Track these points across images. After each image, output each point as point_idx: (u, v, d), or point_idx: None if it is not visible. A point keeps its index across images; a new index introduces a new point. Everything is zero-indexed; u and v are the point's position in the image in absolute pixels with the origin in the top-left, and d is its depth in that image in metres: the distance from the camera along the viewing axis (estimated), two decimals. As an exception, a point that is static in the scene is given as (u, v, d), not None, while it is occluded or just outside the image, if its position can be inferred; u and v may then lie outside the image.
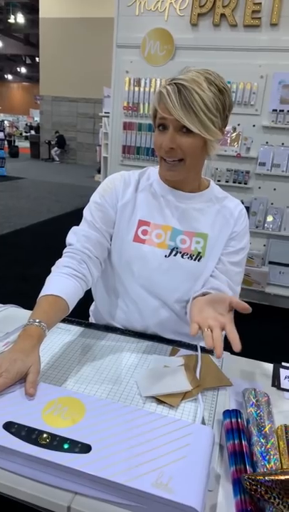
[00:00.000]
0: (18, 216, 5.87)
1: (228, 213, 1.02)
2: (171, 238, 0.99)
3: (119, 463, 0.56)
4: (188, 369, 0.85)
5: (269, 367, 0.94)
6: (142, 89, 3.11)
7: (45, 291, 0.86)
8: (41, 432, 0.60)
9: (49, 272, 0.93)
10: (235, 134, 2.95)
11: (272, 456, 0.62)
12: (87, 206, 1.03)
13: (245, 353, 0.90)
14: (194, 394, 0.78)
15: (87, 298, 1.06)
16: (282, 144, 2.89)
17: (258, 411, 0.71)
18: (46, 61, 13.53)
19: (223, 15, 2.78)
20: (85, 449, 0.58)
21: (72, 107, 14.03)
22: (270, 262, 3.15)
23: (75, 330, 1.01)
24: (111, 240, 1.02)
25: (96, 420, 0.63)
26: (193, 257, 0.99)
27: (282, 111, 2.81)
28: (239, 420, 0.68)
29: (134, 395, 0.77)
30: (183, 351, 0.95)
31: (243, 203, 1.08)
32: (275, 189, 3.00)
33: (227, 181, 3.02)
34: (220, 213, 1.02)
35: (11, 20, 17.00)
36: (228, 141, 2.95)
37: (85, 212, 1.02)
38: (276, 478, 0.54)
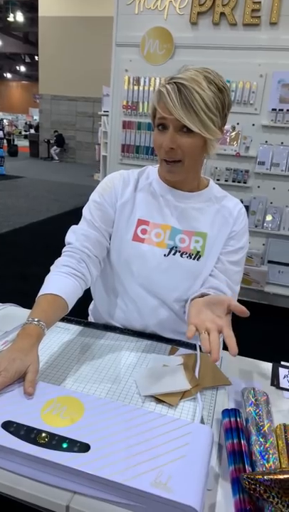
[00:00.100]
0: (17, 215, 5.86)
1: (228, 212, 1.02)
2: (170, 237, 0.99)
3: (118, 462, 0.55)
4: (188, 368, 0.85)
5: (268, 366, 0.94)
6: (141, 88, 3.10)
7: (44, 290, 0.86)
8: (40, 431, 0.60)
9: (48, 270, 0.93)
10: (234, 133, 2.94)
11: (271, 456, 0.62)
12: (87, 205, 1.02)
13: (244, 352, 0.90)
14: (193, 393, 0.78)
15: (87, 297, 1.06)
16: (282, 143, 2.89)
17: (257, 410, 0.71)
18: (45, 60, 13.51)
19: (222, 14, 2.78)
20: (84, 448, 0.57)
21: (72, 106, 14.01)
22: (269, 261, 3.15)
23: (74, 329, 1.00)
24: (110, 239, 1.02)
25: (95, 419, 0.63)
26: (193, 256, 0.99)
27: (282, 110, 2.81)
28: (238, 419, 0.68)
29: (133, 394, 0.77)
30: (182, 350, 0.95)
31: (242, 202, 1.08)
32: (274, 188, 3.00)
33: (226, 180, 3.02)
34: (219, 212, 1.02)
35: (11, 18, 16.94)
36: (228, 140, 2.95)
37: (84, 211, 1.02)
38: (275, 477, 0.54)
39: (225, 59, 2.80)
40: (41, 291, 0.86)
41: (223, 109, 0.89)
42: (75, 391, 0.74)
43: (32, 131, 16.66)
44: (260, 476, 0.54)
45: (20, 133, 20.93)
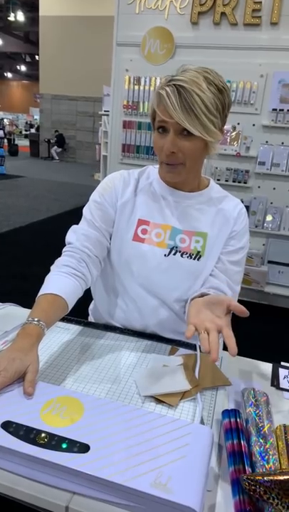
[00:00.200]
0: (18, 214, 5.86)
1: (228, 212, 1.02)
2: (170, 237, 0.99)
3: (117, 463, 0.55)
4: (188, 368, 0.85)
5: (268, 366, 0.94)
6: (141, 88, 3.10)
7: (44, 289, 0.86)
8: (39, 432, 0.59)
9: (48, 270, 0.93)
10: (234, 133, 2.94)
11: (271, 456, 0.62)
12: (87, 205, 1.02)
13: (244, 352, 0.90)
14: (193, 393, 0.78)
15: (87, 297, 1.06)
16: (282, 143, 2.89)
17: (257, 411, 0.71)
18: (46, 59, 13.50)
19: (223, 13, 2.78)
20: (84, 448, 0.57)
21: (72, 106, 14.01)
22: (270, 262, 3.15)
23: (74, 329, 1.00)
24: (110, 239, 1.02)
25: (95, 420, 0.63)
26: (193, 256, 0.99)
27: (282, 110, 2.81)
28: (238, 420, 0.68)
29: (133, 394, 0.77)
30: (182, 350, 0.94)
31: (242, 202, 1.07)
32: (274, 188, 3.00)
33: (227, 180, 3.02)
34: (220, 212, 1.01)
35: (11, 18, 16.92)
36: (228, 140, 2.95)
37: (85, 211, 1.02)
38: (275, 478, 0.54)
39: (225, 59, 2.80)
40: (41, 291, 0.86)
41: (223, 110, 0.88)
42: (75, 391, 0.73)
43: (32, 130, 16.64)
44: (260, 477, 0.54)
45: (20, 132, 20.93)
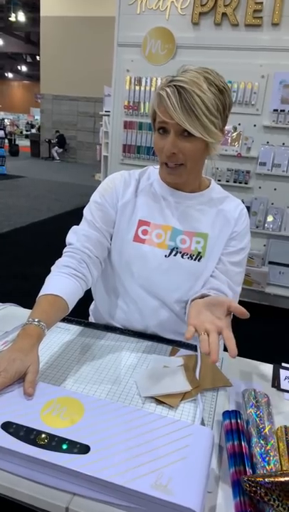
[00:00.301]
0: (18, 215, 5.86)
1: (229, 213, 1.01)
2: (171, 238, 0.99)
3: (118, 464, 0.55)
4: (188, 369, 0.85)
5: (269, 367, 0.93)
6: (142, 88, 3.10)
7: (44, 290, 0.86)
8: (40, 432, 0.59)
9: (49, 270, 0.93)
10: (235, 133, 2.94)
11: (271, 458, 0.61)
12: (88, 206, 1.02)
13: (244, 353, 0.90)
14: (194, 394, 0.78)
15: (87, 297, 1.05)
16: (283, 143, 2.89)
17: (258, 412, 0.71)
18: (47, 60, 13.52)
19: (224, 14, 2.78)
20: (84, 449, 0.57)
21: (73, 106, 14.02)
22: (270, 262, 3.14)
23: (74, 329, 1.00)
24: (111, 240, 1.02)
25: (95, 420, 0.63)
26: (193, 257, 0.99)
27: (283, 111, 2.81)
28: (239, 421, 0.68)
29: (134, 395, 0.77)
30: (183, 351, 0.94)
31: (243, 202, 1.07)
32: (275, 189, 2.99)
33: (227, 181, 3.02)
34: (220, 213, 1.01)
35: (12, 18, 16.93)
36: (229, 140, 2.95)
37: (85, 211, 1.02)
38: (276, 480, 0.54)
39: (226, 59, 2.80)
40: (42, 292, 0.86)
41: (224, 111, 0.88)
42: (75, 392, 0.73)
43: (33, 130, 16.65)
44: (261, 479, 0.54)
45: (21, 133, 20.94)
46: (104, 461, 0.56)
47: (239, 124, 2.92)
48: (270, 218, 3.04)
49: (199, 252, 0.99)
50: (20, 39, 19.55)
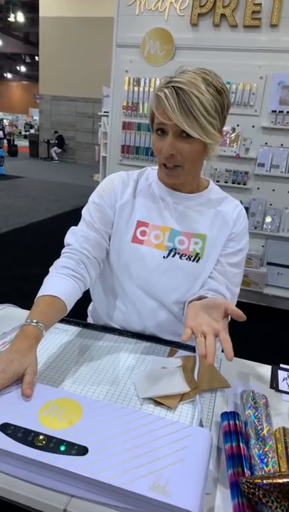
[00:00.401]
0: (17, 215, 5.86)
1: (227, 214, 1.01)
2: (169, 239, 0.99)
3: (116, 465, 0.55)
4: (186, 370, 0.85)
5: (267, 368, 0.93)
6: (141, 89, 3.10)
7: (42, 291, 0.86)
8: (38, 434, 0.59)
9: (47, 271, 0.93)
10: (234, 134, 2.94)
11: (270, 459, 0.61)
12: (86, 206, 1.02)
13: (243, 354, 0.90)
14: (192, 395, 0.78)
15: (86, 298, 1.05)
16: (282, 144, 2.89)
17: (256, 413, 0.71)
18: (46, 60, 13.51)
19: (223, 15, 2.78)
20: (82, 451, 0.57)
21: (72, 106, 14.02)
22: (269, 263, 3.14)
23: (72, 330, 1.00)
24: (109, 241, 1.02)
25: (93, 422, 0.63)
26: (192, 258, 0.99)
27: (282, 112, 2.81)
28: (237, 422, 0.68)
29: (132, 396, 0.77)
30: (181, 352, 0.94)
31: (241, 203, 1.07)
32: (273, 190, 3.00)
33: (226, 182, 3.02)
34: (219, 214, 1.01)
35: (11, 18, 16.93)
36: (228, 141, 2.95)
37: (84, 212, 1.02)
38: (274, 481, 0.54)
39: (225, 60, 2.80)
40: (40, 293, 0.86)
41: (222, 112, 0.88)
42: (73, 393, 0.73)
43: (32, 131, 16.64)
44: (259, 480, 0.54)
45: (20, 133, 20.91)
46: (102, 462, 0.55)
47: (238, 125, 2.92)
48: (268, 219, 3.04)
49: (197, 253, 0.99)
50: (19, 39, 19.54)
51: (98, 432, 0.61)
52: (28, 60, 22.62)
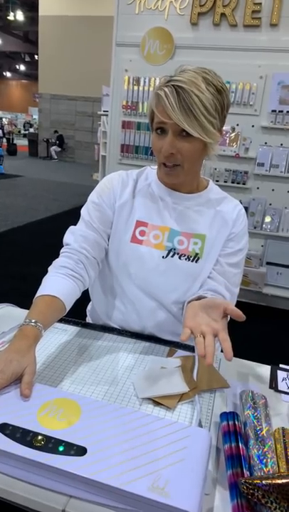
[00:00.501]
0: (16, 214, 5.85)
1: (227, 214, 1.01)
2: (168, 239, 0.98)
3: (115, 466, 0.55)
4: (186, 370, 0.85)
5: (266, 369, 0.93)
6: (141, 88, 3.10)
7: (41, 291, 0.85)
8: (36, 434, 0.59)
9: (46, 270, 0.93)
10: (234, 134, 2.94)
11: (269, 460, 0.61)
12: (85, 206, 1.02)
13: (242, 354, 0.90)
14: (191, 396, 0.77)
15: (85, 298, 1.05)
16: (281, 144, 2.89)
17: (256, 413, 0.71)
18: (45, 59, 13.49)
19: (223, 14, 2.77)
20: (81, 451, 0.57)
21: (71, 106, 14.01)
22: (268, 263, 3.14)
23: (71, 330, 1.00)
24: (108, 240, 1.02)
25: (92, 422, 0.63)
26: (191, 258, 0.98)
27: (282, 111, 2.81)
28: (236, 423, 0.68)
29: (131, 396, 0.77)
30: (180, 352, 0.94)
31: (241, 203, 1.07)
32: (273, 190, 2.99)
33: (225, 181, 3.02)
34: (218, 214, 1.01)
35: (11, 17, 16.89)
36: (227, 141, 2.95)
37: (83, 211, 1.01)
38: (273, 482, 0.53)
39: (225, 60, 2.80)
40: (39, 292, 0.85)
41: (222, 111, 0.88)
42: (72, 393, 0.73)
43: (32, 130, 16.61)
44: (259, 481, 0.54)
45: (19, 132, 20.88)
46: (101, 463, 0.55)
47: (237, 125, 2.92)
48: (267, 219, 3.04)
49: (197, 254, 0.99)
50: (18, 38, 19.52)
51: (97, 432, 0.60)
52: (27, 58, 22.59)
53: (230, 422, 0.68)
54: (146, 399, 0.76)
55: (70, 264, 0.92)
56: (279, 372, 0.91)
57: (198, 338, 0.71)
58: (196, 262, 0.99)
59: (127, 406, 0.74)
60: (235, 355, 0.68)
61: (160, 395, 0.76)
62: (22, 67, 24.98)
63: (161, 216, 0.99)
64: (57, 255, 0.96)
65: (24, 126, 22.72)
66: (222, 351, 0.69)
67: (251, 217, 3.02)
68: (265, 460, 0.61)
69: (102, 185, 1.03)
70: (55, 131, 14.28)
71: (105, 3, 9.85)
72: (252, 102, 2.84)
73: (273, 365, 0.94)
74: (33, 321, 0.77)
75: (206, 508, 0.56)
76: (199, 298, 0.90)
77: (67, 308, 0.87)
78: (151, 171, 1.05)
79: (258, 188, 3.02)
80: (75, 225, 1.00)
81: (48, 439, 0.58)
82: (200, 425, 0.71)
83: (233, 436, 0.65)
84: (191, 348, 0.95)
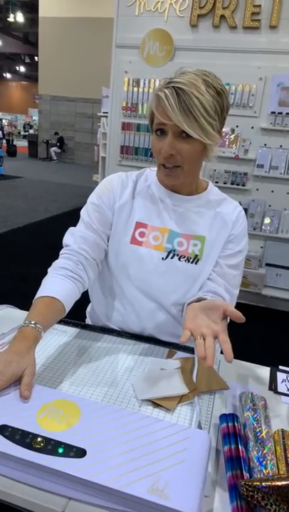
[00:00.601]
0: (15, 215, 5.85)
1: (227, 216, 1.01)
2: (168, 241, 0.98)
3: (114, 468, 0.55)
4: (185, 372, 0.84)
5: (266, 370, 0.93)
6: (140, 90, 3.10)
7: (41, 292, 0.85)
8: (36, 436, 0.59)
9: (46, 272, 0.93)
10: (233, 135, 2.94)
11: (269, 462, 0.61)
12: (85, 207, 1.02)
13: (241, 355, 0.90)
14: (191, 397, 0.77)
15: (84, 299, 1.05)
16: (281, 146, 2.89)
17: (255, 415, 0.71)
18: (45, 60, 13.50)
19: (222, 16, 2.78)
20: (80, 453, 0.57)
21: (71, 107, 14.02)
22: (267, 264, 3.15)
23: (71, 331, 1.00)
24: (108, 242, 1.02)
25: (91, 424, 0.62)
26: (191, 260, 0.99)
27: (281, 113, 2.81)
28: (236, 424, 0.68)
29: (130, 398, 0.77)
30: (180, 354, 0.94)
31: (240, 204, 1.07)
32: (272, 191, 3.00)
33: (225, 183, 3.02)
34: (218, 216, 1.01)
35: (11, 18, 16.95)
36: (227, 142, 2.95)
37: (82, 212, 1.01)
38: (273, 484, 0.53)
39: (225, 62, 2.80)
40: (38, 294, 0.85)
41: (222, 113, 0.88)
42: (72, 395, 0.73)
43: (31, 131, 16.62)
44: (258, 483, 0.54)
45: (19, 133, 20.88)
46: (100, 465, 0.55)
47: (237, 126, 2.92)
48: (267, 220, 3.04)
49: (196, 255, 0.99)
50: (18, 39, 19.54)
51: (96, 434, 0.60)
52: (27, 60, 22.61)
53: (230, 424, 0.68)
54: (146, 400, 0.76)
55: (69, 266, 0.92)
56: (278, 373, 0.91)
57: (198, 340, 0.71)
58: (195, 263, 0.99)
59: (126, 407, 0.74)
60: (234, 357, 0.68)
61: (160, 397, 0.76)
62: (22, 69, 25.01)
63: (160, 217, 0.99)
64: (56, 256, 0.96)
65: (24, 128, 22.72)
66: (222, 353, 0.69)
67: (251, 218, 3.02)
68: (264, 462, 0.61)
69: (102, 187, 1.03)
70: (56, 133, 14.29)
71: (105, 5, 9.89)
72: (251, 104, 2.85)
73: (273, 367, 0.94)
74: (33, 322, 0.77)
75: (206, 510, 0.56)
76: (199, 300, 0.90)
77: (67, 310, 0.87)
78: (150, 172, 1.05)
79: (257, 189, 3.03)
80: (74, 226, 1.01)
81: (47, 440, 0.58)
82: (199, 427, 0.71)
83: (233, 438, 0.65)
84: (191, 350, 0.95)
